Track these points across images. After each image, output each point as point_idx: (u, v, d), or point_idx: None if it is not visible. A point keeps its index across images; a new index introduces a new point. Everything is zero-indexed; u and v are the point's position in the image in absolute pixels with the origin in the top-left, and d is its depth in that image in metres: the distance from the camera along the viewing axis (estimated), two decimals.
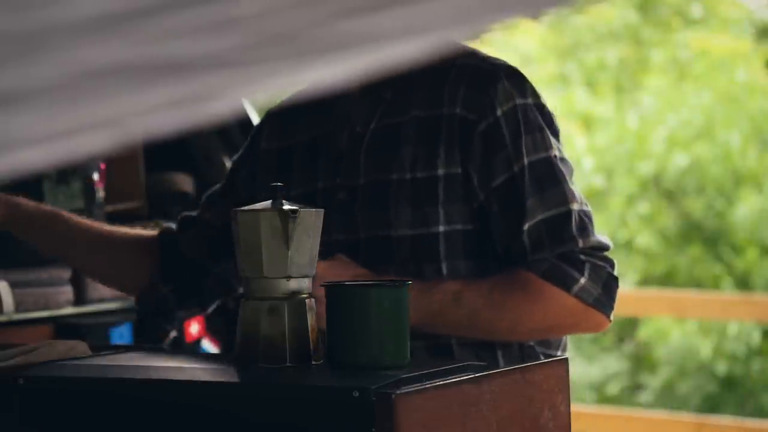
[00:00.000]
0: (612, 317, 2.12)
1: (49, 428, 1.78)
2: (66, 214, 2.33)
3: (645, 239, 8.93)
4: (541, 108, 2.12)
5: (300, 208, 1.79)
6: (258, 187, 2.23)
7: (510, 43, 9.44)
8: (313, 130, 2.23)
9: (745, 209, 8.74)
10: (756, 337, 8.35)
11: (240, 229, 1.79)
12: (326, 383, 1.68)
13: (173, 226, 2.40)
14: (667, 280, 8.85)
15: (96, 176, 3.08)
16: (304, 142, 2.23)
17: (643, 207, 9.04)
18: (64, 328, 2.92)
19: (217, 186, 2.39)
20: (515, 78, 2.11)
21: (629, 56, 9.67)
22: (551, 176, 2.08)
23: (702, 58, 9.32)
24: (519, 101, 2.09)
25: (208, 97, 0.66)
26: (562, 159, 2.12)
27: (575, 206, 2.09)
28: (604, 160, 9.14)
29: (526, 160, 2.07)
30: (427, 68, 2.11)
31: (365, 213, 2.11)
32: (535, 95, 2.12)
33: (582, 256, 2.07)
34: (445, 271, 2.08)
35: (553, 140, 2.11)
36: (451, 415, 1.63)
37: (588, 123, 9.43)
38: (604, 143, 9.23)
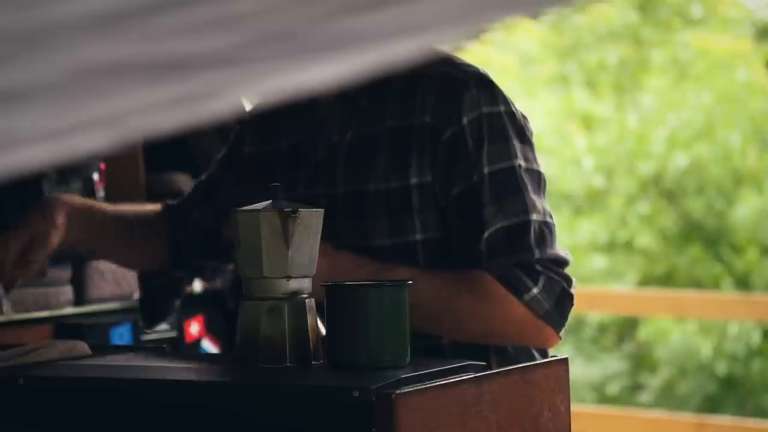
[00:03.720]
0: (563, 334, 2.09)
1: (49, 428, 1.78)
2: (97, 206, 2.34)
3: (645, 239, 8.93)
4: (512, 116, 2.11)
5: (300, 208, 1.79)
6: (242, 191, 2.21)
7: (510, 43, 9.44)
8: (292, 136, 2.22)
9: (745, 209, 8.75)
10: (756, 337, 8.36)
11: (240, 229, 1.79)
12: (326, 383, 1.68)
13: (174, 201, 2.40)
14: (667, 280, 8.86)
15: (96, 176, 3.08)
16: (284, 148, 2.23)
17: (643, 207, 9.05)
18: (64, 328, 2.92)
19: (198, 187, 2.38)
20: (485, 86, 2.10)
21: (629, 56, 9.67)
22: (512, 186, 2.07)
23: (702, 58, 9.32)
24: (486, 110, 2.08)
25: (208, 95, 0.66)
26: (528, 169, 2.10)
27: (535, 216, 2.07)
28: (604, 160, 9.15)
29: (486, 170, 2.07)
30: (400, 76, 2.11)
31: (345, 222, 2.11)
32: (506, 103, 2.11)
33: (538, 267, 2.06)
34: None
35: (519, 150, 2.10)
36: (451, 415, 1.63)
37: (588, 123, 9.44)
38: (604, 143, 9.23)
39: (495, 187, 2.07)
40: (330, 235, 2.10)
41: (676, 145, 8.99)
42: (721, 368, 8.36)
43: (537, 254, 2.06)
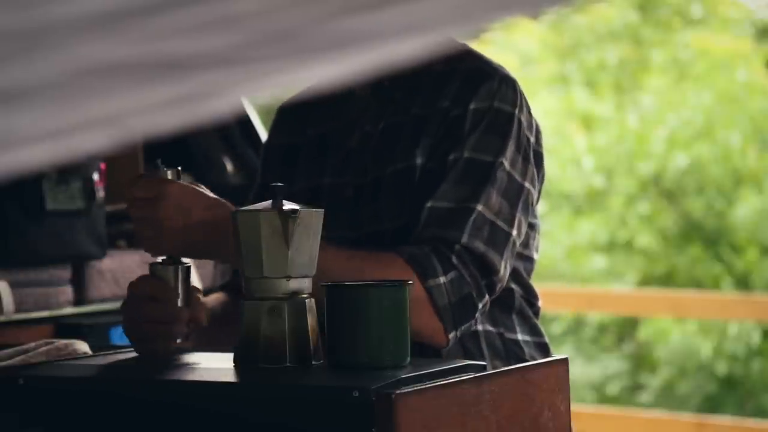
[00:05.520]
0: (451, 340, 1.98)
1: (49, 428, 1.78)
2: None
3: (645, 239, 8.94)
4: (520, 123, 2.07)
5: (300, 208, 1.79)
6: (263, 183, 2.24)
7: (510, 43, 9.44)
8: (322, 126, 2.23)
9: (745, 209, 8.76)
10: (756, 337, 8.36)
11: (240, 229, 1.79)
12: (326, 383, 1.68)
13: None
14: (667, 280, 8.86)
15: (96, 176, 3.07)
16: (313, 138, 2.24)
17: (643, 207, 9.05)
18: (64, 328, 2.92)
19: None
20: (507, 85, 2.07)
21: (629, 56, 9.68)
22: (480, 176, 2.02)
23: (702, 58, 9.33)
24: (497, 104, 2.05)
25: (209, 95, 0.66)
26: (509, 173, 2.05)
27: (482, 208, 2.01)
28: (604, 160, 9.15)
29: (465, 154, 2.03)
30: (432, 70, 2.13)
31: (367, 208, 2.12)
32: (521, 109, 2.07)
33: (455, 260, 1.98)
34: None
35: (510, 153, 2.05)
36: (451, 415, 1.63)
37: (588, 123, 9.44)
38: (604, 143, 9.24)
39: (464, 172, 2.02)
40: (353, 223, 2.11)
41: (676, 145, 8.99)
42: (721, 368, 8.37)
43: (464, 239, 1.98)
